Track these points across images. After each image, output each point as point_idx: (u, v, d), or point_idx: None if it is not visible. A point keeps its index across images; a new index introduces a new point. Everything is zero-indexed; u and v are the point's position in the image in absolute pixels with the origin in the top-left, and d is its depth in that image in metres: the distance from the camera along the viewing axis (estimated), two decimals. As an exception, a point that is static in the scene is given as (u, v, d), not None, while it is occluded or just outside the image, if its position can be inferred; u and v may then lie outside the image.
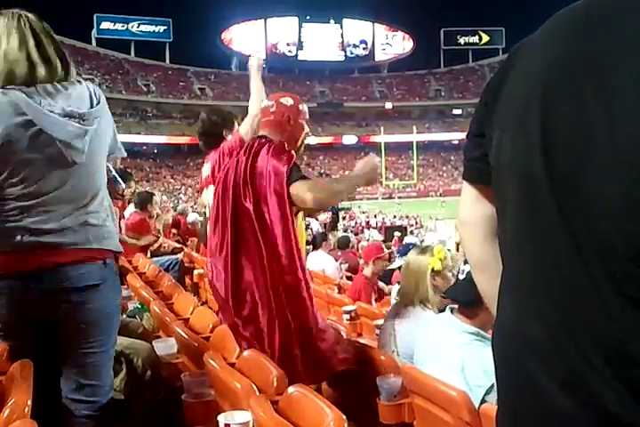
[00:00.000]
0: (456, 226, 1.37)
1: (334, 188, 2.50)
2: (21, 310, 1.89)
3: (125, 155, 2.29)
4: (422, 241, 14.82)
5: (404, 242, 11.49)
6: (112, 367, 2.10)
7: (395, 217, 29.87)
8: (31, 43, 1.88)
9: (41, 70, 1.88)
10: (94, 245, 1.93)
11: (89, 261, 1.92)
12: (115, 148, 2.13)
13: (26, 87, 1.84)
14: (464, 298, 2.17)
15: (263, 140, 2.51)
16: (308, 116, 2.70)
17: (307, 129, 2.68)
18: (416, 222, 28.49)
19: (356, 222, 26.35)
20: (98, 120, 1.96)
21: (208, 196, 2.98)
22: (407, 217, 29.69)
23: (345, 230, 24.49)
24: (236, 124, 3.41)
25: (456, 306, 2.28)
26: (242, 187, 2.37)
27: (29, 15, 1.94)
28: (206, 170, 3.25)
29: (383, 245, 6.42)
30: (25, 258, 1.84)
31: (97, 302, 1.94)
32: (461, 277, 2.27)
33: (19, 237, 1.83)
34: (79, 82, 1.98)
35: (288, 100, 2.64)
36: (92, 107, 1.96)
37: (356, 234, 20.96)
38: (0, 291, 1.86)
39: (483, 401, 1.93)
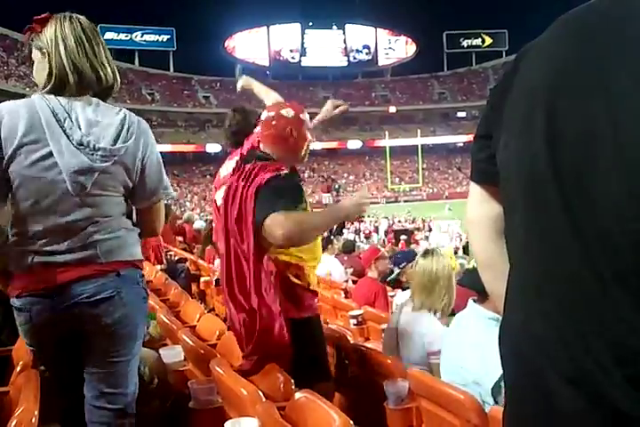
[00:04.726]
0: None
1: (310, 222, 2.32)
2: (44, 326, 1.90)
3: (172, 198, 2.20)
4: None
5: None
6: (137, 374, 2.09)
7: (397, 222, 29.64)
8: (81, 48, 1.97)
9: (83, 78, 1.91)
10: (102, 259, 1.90)
11: (99, 275, 1.90)
12: (153, 191, 2.02)
13: (62, 97, 1.87)
14: (477, 285, 2.22)
15: (259, 164, 2.45)
16: (310, 124, 2.62)
17: (309, 137, 2.60)
18: (423, 226, 28.32)
19: (357, 229, 26.09)
20: (117, 159, 1.87)
21: (217, 197, 2.93)
22: (413, 221, 29.50)
23: (356, 232, 24.45)
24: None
25: (476, 297, 2.34)
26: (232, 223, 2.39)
27: (81, 18, 2.01)
28: (224, 170, 3.11)
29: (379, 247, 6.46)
30: (39, 277, 1.87)
31: (115, 314, 1.91)
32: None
33: (30, 259, 1.86)
34: (119, 111, 1.94)
35: (289, 112, 2.56)
36: (114, 143, 1.87)
37: (367, 238, 20.86)
38: (21, 309, 1.89)
39: (498, 386, 1.95)
